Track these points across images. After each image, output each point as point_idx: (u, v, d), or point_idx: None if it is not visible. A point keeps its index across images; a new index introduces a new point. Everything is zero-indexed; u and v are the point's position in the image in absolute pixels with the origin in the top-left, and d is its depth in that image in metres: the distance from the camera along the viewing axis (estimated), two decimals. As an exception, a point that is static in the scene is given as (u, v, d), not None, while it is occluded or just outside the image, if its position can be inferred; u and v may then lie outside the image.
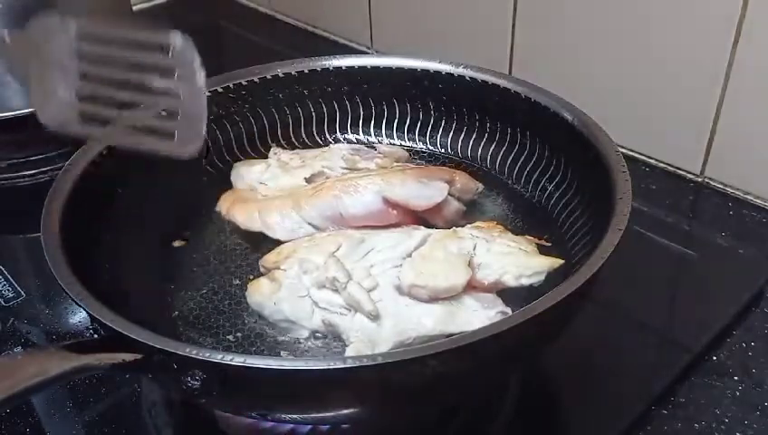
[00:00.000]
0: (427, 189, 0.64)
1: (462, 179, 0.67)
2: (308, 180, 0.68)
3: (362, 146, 0.76)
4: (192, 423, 0.59)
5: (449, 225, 0.64)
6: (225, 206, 0.68)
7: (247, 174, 0.70)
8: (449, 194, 0.65)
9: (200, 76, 0.57)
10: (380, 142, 0.77)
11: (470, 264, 0.56)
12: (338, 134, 0.78)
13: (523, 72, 0.91)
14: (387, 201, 0.62)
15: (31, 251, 0.77)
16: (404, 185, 0.63)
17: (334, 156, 0.71)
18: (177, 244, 0.65)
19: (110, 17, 0.95)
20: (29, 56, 0.54)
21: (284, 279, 0.57)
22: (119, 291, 0.57)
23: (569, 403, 0.60)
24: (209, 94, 0.72)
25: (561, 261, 0.57)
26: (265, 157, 0.73)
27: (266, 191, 0.68)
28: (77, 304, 0.48)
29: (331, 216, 0.63)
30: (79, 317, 0.68)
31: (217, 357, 0.43)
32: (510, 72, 0.93)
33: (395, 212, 0.62)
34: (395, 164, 0.70)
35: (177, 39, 0.56)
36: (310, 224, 0.63)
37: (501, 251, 0.57)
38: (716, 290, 0.69)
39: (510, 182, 0.72)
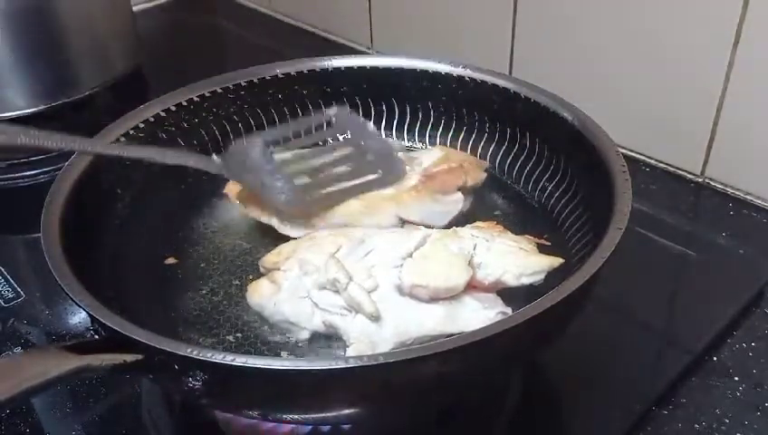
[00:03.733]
0: (442, 206, 0.65)
1: (471, 175, 0.67)
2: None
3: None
4: (192, 424, 0.59)
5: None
6: (234, 190, 0.68)
7: None
8: (461, 189, 0.66)
9: (369, 125, 0.69)
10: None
11: (470, 263, 0.56)
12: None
13: (523, 72, 0.91)
14: (403, 220, 0.64)
15: (31, 251, 0.77)
16: (420, 205, 0.64)
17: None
18: (169, 261, 0.65)
19: (111, 17, 0.96)
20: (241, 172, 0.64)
21: (284, 280, 0.57)
22: (118, 291, 0.57)
23: (569, 403, 0.60)
24: (209, 95, 0.72)
25: (561, 261, 0.57)
26: None
27: None
28: (77, 304, 0.47)
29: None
30: (79, 318, 0.68)
31: (219, 357, 0.43)
32: (510, 72, 0.93)
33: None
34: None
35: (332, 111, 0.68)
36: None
37: (501, 251, 0.57)
38: (716, 290, 0.69)
39: (510, 182, 0.72)
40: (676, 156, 0.83)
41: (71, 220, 0.56)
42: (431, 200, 0.65)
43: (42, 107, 0.87)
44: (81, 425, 0.59)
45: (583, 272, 0.48)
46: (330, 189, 0.65)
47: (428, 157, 0.70)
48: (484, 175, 0.69)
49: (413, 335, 0.53)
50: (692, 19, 0.75)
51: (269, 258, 0.60)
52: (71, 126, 0.89)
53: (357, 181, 0.65)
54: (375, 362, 0.43)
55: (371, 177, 0.66)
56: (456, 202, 0.66)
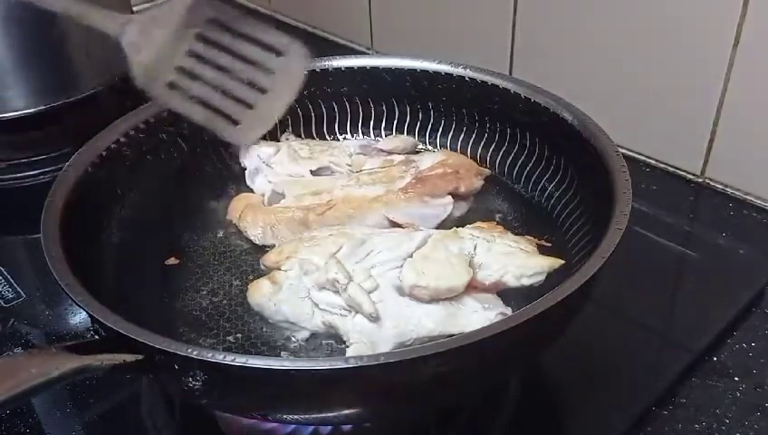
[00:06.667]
0: (430, 209, 0.65)
1: (465, 182, 0.67)
2: (313, 173, 0.69)
3: (370, 140, 0.75)
4: (192, 424, 0.59)
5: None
6: (236, 212, 0.68)
7: (257, 151, 0.71)
8: (455, 195, 0.66)
9: (295, 85, 0.65)
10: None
11: (471, 264, 0.56)
12: (337, 134, 0.78)
13: (523, 72, 0.91)
14: (391, 220, 0.64)
15: (31, 251, 0.77)
16: (408, 206, 0.64)
17: (342, 152, 0.71)
18: (170, 261, 0.65)
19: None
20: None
21: (285, 280, 0.57)
22: (118, 291, 0.58)
23: (569, 403, 0.60)
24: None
25: (562, 261, 0.57)
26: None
27: (272, 176, 0.69)
28: (78, 305, 0.48)
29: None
30: (79, 318, 0.68)
31: (219, 357, 0.43)
32: (510, 72, 0.93)
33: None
34: (402, 166, 0.69)
35: (294, 47, 0.65)
36: None
37: (501, 251, 0.57)
38: (717, 290, 0.69)
39: (510, 182, 0.72)
40: (676, 156, 0.83)
41: (71, 220, 0.56)
42: (419, 202, 0.65)
43: (42, 107, 0.86)
44: (81, 425, 0.59)
45: (583, 272, 0.48)
46: None
47: (428, 160, 0.69)
48: (481, 183, 0.68)
49: (413, 336, 0.53)
50: (692, 19, 0.76)
51: (270, 257, 0.60)
52: (71, 126, 0.90)
53: None
54: (375, 362, 0.43)
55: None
56: (446, 206, 0.65)
